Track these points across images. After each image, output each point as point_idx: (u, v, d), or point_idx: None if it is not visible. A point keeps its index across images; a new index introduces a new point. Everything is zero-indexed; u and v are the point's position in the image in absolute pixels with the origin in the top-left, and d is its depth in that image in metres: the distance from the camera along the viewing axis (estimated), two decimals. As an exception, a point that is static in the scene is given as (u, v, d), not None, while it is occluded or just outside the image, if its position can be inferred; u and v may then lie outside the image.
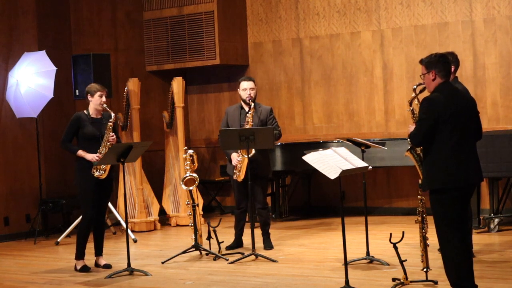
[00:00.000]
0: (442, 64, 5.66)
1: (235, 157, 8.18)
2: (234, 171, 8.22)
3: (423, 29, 10.45)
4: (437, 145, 5.55)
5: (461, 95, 5.73)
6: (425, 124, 5.56)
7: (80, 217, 8.27)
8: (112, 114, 7.67)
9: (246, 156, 8.02)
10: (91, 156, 7.58)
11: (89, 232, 7.79)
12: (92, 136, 7.66)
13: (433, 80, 5.66)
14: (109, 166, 7.61)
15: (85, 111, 7.78)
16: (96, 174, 7.58)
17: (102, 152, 7.57)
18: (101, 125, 7.69)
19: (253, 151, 7.99)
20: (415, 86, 6.06)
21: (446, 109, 5.52)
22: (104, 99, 7.71)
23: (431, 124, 5.53)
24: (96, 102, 7.71)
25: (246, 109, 8.28)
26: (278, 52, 11.52)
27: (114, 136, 7.67)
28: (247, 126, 8.08)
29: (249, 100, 8.21)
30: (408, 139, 5.82)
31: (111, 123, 7.64)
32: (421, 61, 5.76)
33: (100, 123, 7.70)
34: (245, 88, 8.27)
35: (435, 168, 5.57)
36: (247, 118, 8.16)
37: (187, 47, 11.58)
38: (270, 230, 8.51)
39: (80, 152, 7.62)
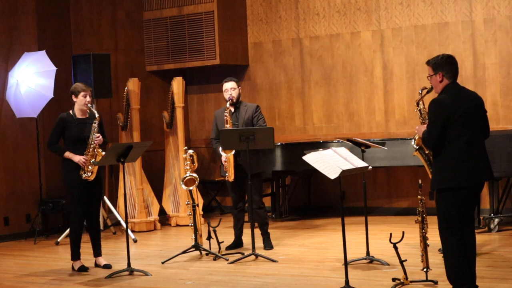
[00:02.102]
0: (449, 65, 5.68)
1: (223, 158, 8.21)
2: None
3: (423, 29, 10.44)
4: (446, 145, 5.57)
5: (467, 95, 5.73)
6: (436, 126, 5.56)
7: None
8: (97, 114, 7.58)
9: (228, 154, 8.07)
10: (78, 158, 7.54)
11: (80, 232, 7.75)
12: (77, 138, 7.60)
13: (440, 81, 5.69)
14: (96, 167, 7.57)
15: (70, 112, 7.70)
16: (84, 176, 7.55)
17: (88, 154, 7.54)
18: (86, 126, 7.61)
19: (233, 150, 8.05)
20: (420, 91, 6.09)
21: (454, 110, 5.55)
22: (88, 99, 7.63)
23: (441, 125, 5.54)
24: (80, 102, 7.63)
25: (232, 109, 8.31)
26: (278, 52, 11.52)
27: (100, 137, 7.60)
28: (227, 126, 8.11)
29: (229, 100, 8.23)
30: (415, 141, 5.84)
31: (95, 124, 7.58)
32: (428, 62, 5.77)
33: (85, 123, 7.63)
34: (226, 89, 8.30)
35: (445, 168, 5.57)
36: (225, 118, 8.19)
37: (187, 47, 11.57)
38: (270, 230, 8.51)
39: (67, 154, 7.58)
